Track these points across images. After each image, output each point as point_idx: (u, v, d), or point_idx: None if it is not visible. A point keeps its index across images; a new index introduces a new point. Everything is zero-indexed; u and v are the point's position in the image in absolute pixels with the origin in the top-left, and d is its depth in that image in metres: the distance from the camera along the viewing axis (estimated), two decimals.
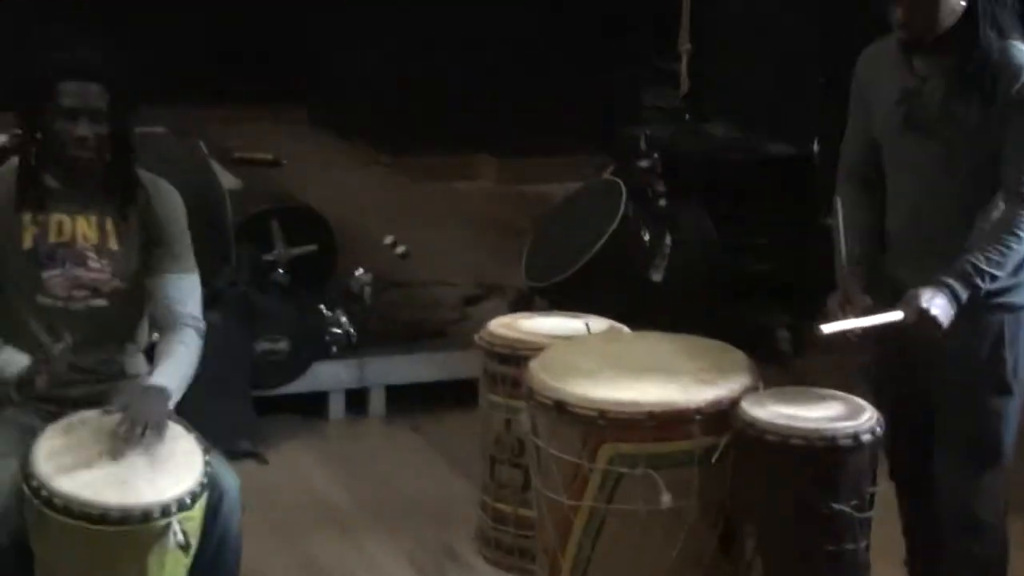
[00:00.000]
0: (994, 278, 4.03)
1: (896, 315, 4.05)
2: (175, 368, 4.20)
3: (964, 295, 4.01)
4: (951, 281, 4.00)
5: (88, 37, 4.33)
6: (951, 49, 4.11)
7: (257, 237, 6.39)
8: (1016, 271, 4.14)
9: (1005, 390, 4.20)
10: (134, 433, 3.96)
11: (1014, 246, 4.02)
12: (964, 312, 4.08)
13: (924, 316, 3.98)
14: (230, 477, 4.12)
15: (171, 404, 4.12)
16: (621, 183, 6.72)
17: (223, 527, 4.07)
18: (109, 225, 4.26)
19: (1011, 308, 4.16)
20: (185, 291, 4.31)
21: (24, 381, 4.09)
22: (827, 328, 4.06)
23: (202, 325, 4.32)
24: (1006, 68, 4.05)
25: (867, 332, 4.12)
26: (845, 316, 4.20)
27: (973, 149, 4.11)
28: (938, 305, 3.99)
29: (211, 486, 3.99)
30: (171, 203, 4.36)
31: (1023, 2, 4.17)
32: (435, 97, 9.02)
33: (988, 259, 4.01)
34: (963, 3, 4.05)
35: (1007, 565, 4.39)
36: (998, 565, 4.36)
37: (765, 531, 4.04)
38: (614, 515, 4.10)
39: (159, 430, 4.00)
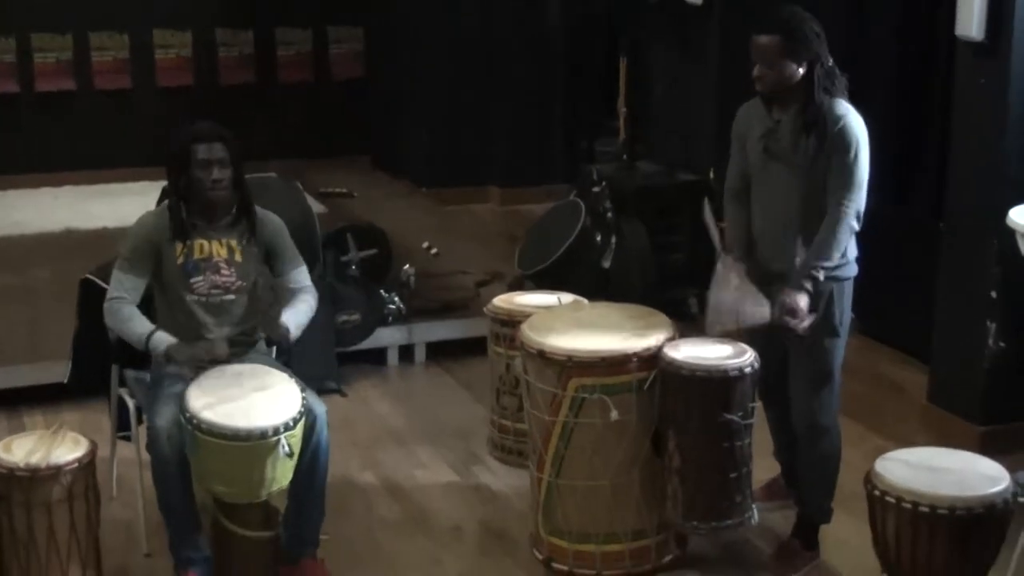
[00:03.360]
0: (825, 268, 4.04)
1: (766, 316, 4.08)
2: (295, 313, 4.22)
3: (810, 287, 4.03)
4: (802, 282, 4.02)
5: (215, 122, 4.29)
6: (795, 102, 4.10)
7: (337, 245, 6.35)
8: (841, 255, 4.14)
9: (834, 333, 4.19)
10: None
11: (834, 245, 4.05)
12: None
13: (789, 310, 4.01)
14: (320, 407, 4.11)
15: (292, 335, 4.16)
16: (581, 203, 6.69)
17: (316, 441, 4.05)
18: (235, 245, 4.25)
19: (837, 279, 4.16)
20: (301, 276, 4.35)
21: (169, 354, 4.10)
22: (719, 331, 4.09)
23: (314, 290, 4.37)
24: (830, 115, 4.05)
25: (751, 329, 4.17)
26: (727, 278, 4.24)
27: (811, 171, 4.10)
28: (798, 301, 4.02)
29: (307, 413, 3.98)
30: (276, 226, 4.35)
31: (848, 76, 4.16)
32: (457, 147, 8.99)
33: (819, 259, 4.04)
34: (801, 71, 4.05)
35: (840, 454, 4.38)
36: (834, 455, 4.35)
37: (681, 435, 4.03)
38: (579, 426, 4.09)
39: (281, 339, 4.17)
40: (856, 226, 4.07)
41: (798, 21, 4.09)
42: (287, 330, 4.16)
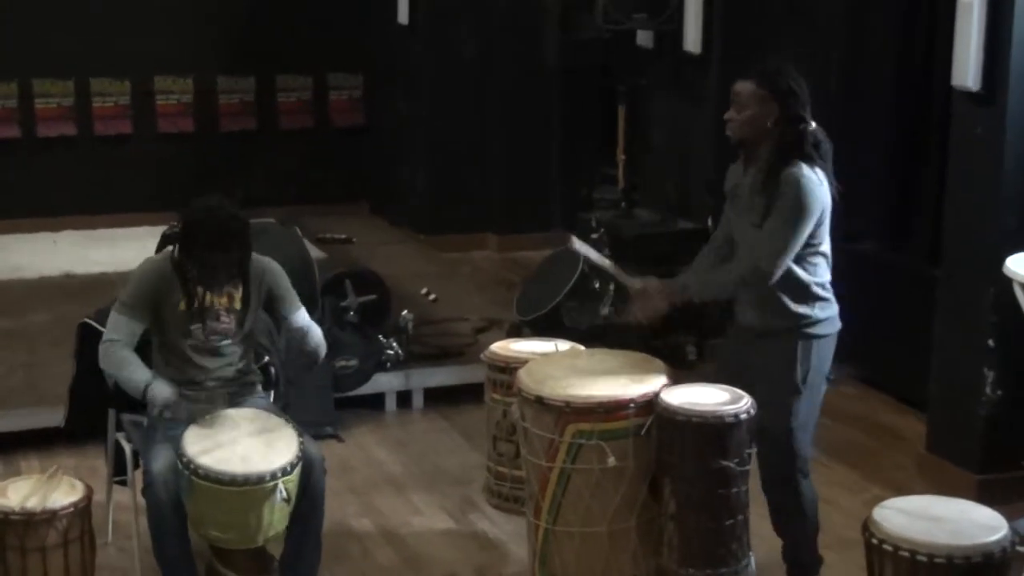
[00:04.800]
0: (699, 294, 4.19)
1: (634, 282, 4.20)
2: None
3: (680, 294, 4.17)
4: (674, 285, 4.18)
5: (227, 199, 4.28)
6: (761, 160, 4.09)
7: (336, 291, 6.37)
8: (811, 309, 4.10)
9: (794, 391, 4.14)
10: None
11: (723, 281, 4.15)
12: (775, 337, 4.11)
13: (646, 296, 4.12)
14: (317, 452, 4.11)
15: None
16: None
17: (313, 486, 4.06)
18: (234, 292, 4.26)
19: (804, 336, 4.12)
20: (303, 318, 4.37)
21: (166, 406, 4.08)
22: (577, 244, 4.27)
23: (318, 328, 4.42)
24: (784, 179, 4.01)
25: (603, 272, 4.25)
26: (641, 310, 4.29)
27: (762, 231, 4.08)
28: (659, 292, 4.15)
29: (304, 458, 3.98)
30: (276, 273, 4.37)
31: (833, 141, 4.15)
32: (455, 194, 9.02)
33: (699, 282, 4.19)
34: (770, 125, 4.04)
35: (813, 508, 4.31)
36: (803, 509, 4.29)
37: (677, 481, 4.00)
38: (577, 472, 4.07)
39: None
40: (752, 281, 4.05)
41: (776, 74, 4.05)
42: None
